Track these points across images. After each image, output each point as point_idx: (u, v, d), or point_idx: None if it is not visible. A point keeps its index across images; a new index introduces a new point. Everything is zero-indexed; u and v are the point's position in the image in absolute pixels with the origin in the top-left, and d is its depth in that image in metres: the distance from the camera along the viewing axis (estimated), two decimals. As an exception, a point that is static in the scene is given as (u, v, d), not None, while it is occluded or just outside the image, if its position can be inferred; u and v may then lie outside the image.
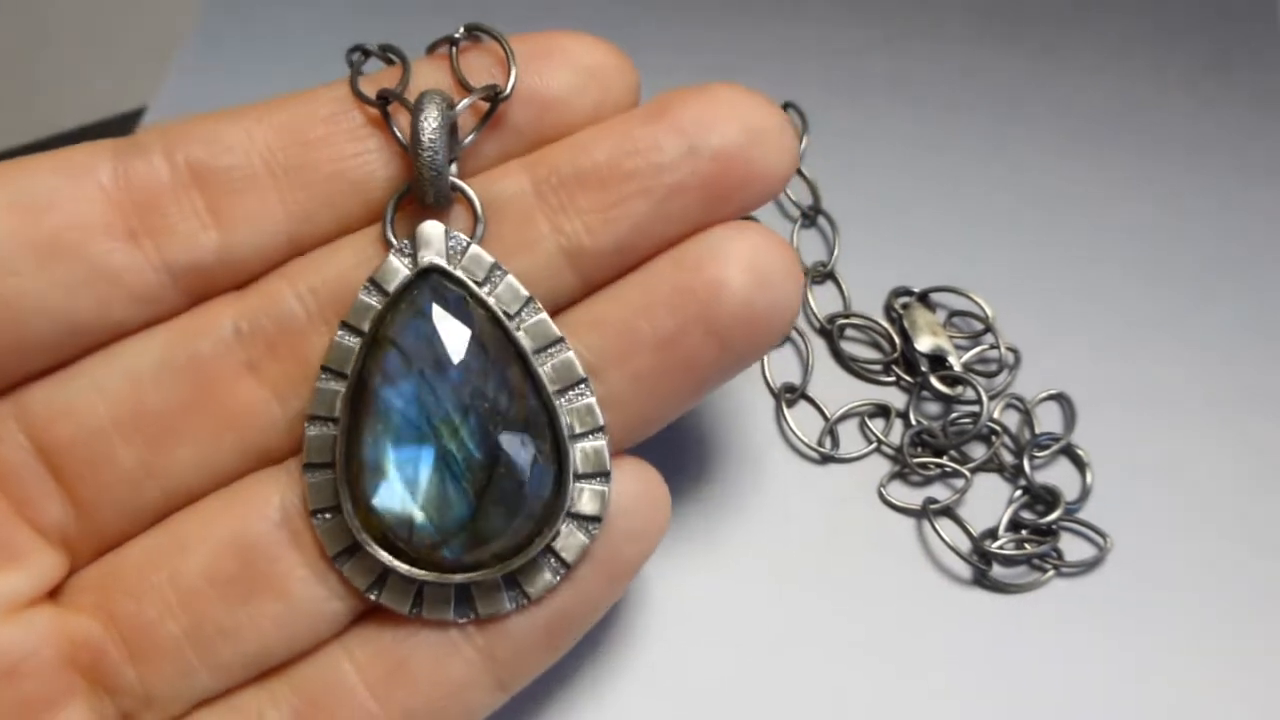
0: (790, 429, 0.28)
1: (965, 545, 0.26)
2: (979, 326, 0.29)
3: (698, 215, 0.20)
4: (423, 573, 0.20)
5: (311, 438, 0.20)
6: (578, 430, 0.20)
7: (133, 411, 0.20)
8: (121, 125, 0.35)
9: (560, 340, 0.20)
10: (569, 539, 0.20)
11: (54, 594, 0.20)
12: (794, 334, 0.29)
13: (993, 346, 0.29)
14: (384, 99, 0.20)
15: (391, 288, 0.20)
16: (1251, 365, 0.29)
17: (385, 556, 0.20)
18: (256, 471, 0.21)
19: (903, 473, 0.27)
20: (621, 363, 0.20)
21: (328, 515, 0.20)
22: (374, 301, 0.20)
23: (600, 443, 0.20)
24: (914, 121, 0.33)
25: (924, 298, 0.30)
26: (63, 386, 0.20)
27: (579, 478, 0.20)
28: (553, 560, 0.20)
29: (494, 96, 0.20)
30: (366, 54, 0.21)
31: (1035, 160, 0.32)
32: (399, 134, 0.20)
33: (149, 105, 0.34)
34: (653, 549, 0.21)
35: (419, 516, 0.20)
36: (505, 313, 0.20)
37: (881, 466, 0.28)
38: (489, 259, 0.20)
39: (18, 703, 0.19)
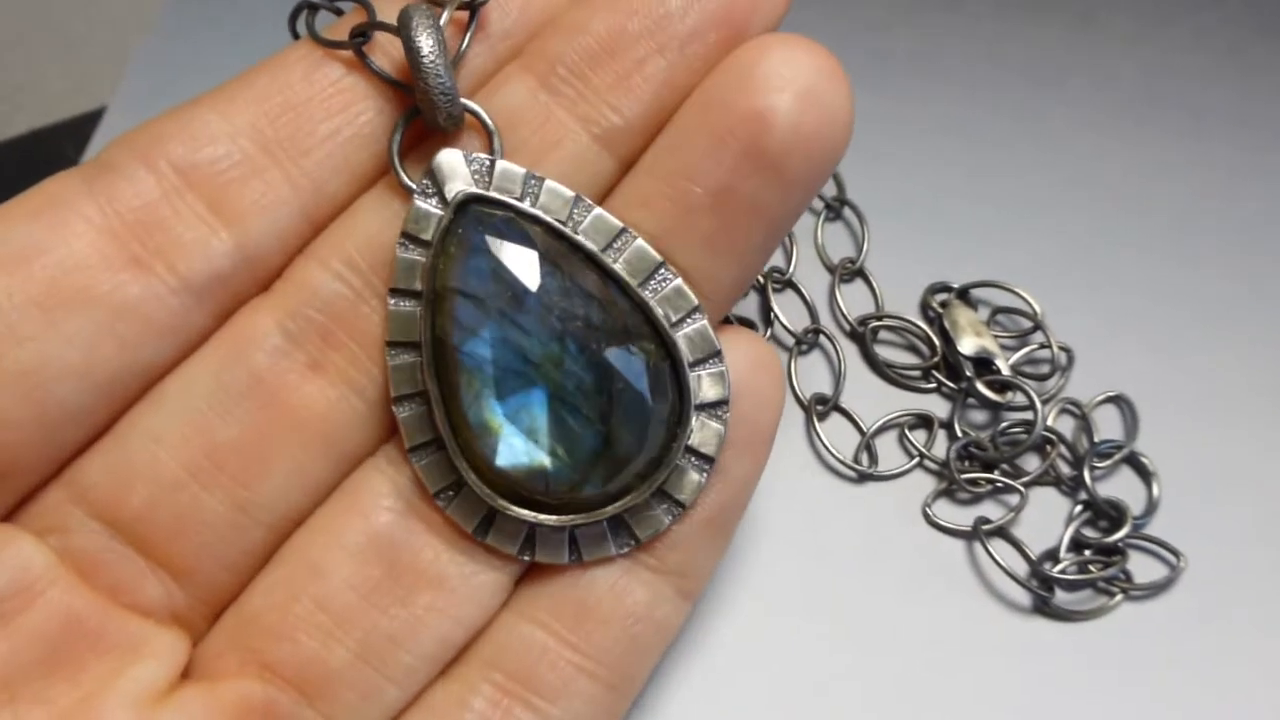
0: (823, 444, 0.27)
1: (1023, 569, 0.25)
2: (1026, 324, 0.28)
3: (721, 56, 0.19)
4: (570, 517, 0.19)
5: (405, 419, 0.19)
6: (675, 318, 0.20)
7: (206, 452, 0.19)
8: (79, 127, 0.33)
9: (623, 230, 0.19)
10: (704, 432, 0.20)
11: (186, 672, 0.19)
12: (823, 339, 0.28)
13: (1043, 346, 0.28)
14: (358, 36, 0.19)
15: (429, 235, 0.19)
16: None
17: (527, 514, 0.19)
18: (353, 472, 0.20)
19: (950, 490, 0.26)
20: (687, 232, 0.19)
21: (451, 493, 0.20)
22: (416, 255, 0.19)
23: (702, 323, 0.20)
24: (944, 102, 0.32)
25: (964, 294, 0.29)
26: (117, 449, 0.19)
27: (693, 366, 0.20)
28: (694, 459, 0.20)
29: (471, 3, 0.19)
30: (315, 8, 0.20)
31: (1077, 140, 0.31)
32: (381, 70, 0.19)
33: (108, 105, 0.33)
34: (780, 411, 0.21)
35: (550, 463, 0.19)
36: (558, 220, 0.19)
37: (926, 483, 0.27)
38: (519, 171, 0.19)
39: None
